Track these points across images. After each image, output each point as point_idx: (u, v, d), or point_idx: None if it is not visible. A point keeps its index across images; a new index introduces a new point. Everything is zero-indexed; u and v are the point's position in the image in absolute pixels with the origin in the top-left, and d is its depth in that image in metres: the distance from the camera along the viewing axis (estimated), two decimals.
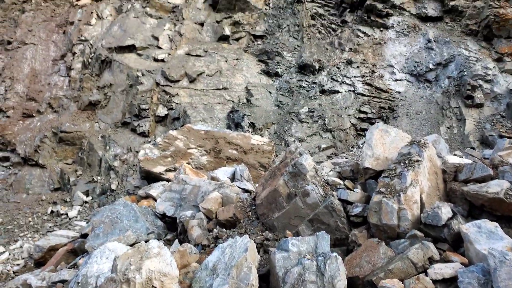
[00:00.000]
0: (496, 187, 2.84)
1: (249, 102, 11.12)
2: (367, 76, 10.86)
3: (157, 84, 10.84)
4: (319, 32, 12.47)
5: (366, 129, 9.98)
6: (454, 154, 3.82)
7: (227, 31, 12.52)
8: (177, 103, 10.55)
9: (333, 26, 12.40)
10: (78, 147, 10.61)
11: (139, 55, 11.63)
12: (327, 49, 12.07)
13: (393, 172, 3.22)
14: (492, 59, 9.39)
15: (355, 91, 10.77)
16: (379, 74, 10.79)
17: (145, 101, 10.50)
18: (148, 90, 10.63)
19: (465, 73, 9.37)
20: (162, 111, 10.52)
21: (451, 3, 10.61)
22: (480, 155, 3.81)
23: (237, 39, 12.65)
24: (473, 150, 4.15)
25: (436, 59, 10.18)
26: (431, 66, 10.18)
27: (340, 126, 10.17)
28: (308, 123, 10.51)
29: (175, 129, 8.81)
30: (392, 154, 3.64)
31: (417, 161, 3.21)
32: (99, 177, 9.77)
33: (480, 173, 3.13)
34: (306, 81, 11.55)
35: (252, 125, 10.51)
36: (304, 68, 11.72)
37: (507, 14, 9.37)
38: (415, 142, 3.44)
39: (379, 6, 11.35)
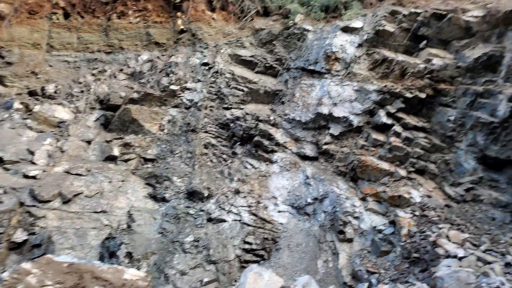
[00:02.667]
0: None
1: (130, 228, 10.51)
2: (253, 206, 11.40)
3: (21, 204, 9.72)
4: (211, 161, 13.16)
5: (249, 261, 10.01)
6: None
7: (116, 152, 12.42)
8: (42, 227, 9.43)
9: (224, 156, 13.26)
10: None
11: (6, 169, 10.59)
12: (217, 177, 12.62)
13: None
14: (358, 198, 10.83)
15: (241, 221, 11.07)
16: (264, 205, 11.43)
17: (1, 223, 9.18)
18: (8, 211, 9.40)
19: (337, 209, 10.52)
20: (20, 236, 9.21)
21: (324, 147, 12.42)
22: None
23: (126, 160, 12.55)
24: None
25: (313, 194, 11.32)
26: (309, 200, 11.23)
27: (224, 258, 10.04)
28: (192, 253, 10.18)
29: (32, 259, 7.67)
30: None
31: None
32: None
33: None
34: (194, 208, 11.60)
35: (129, 255, 9.75)
36: (193, 195, 11.88)
37: (366, 161, 11.26)
38: None
39: (266, 142, 12.70)
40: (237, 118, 13.52)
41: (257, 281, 3.96)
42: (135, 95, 13.73)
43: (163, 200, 11.60)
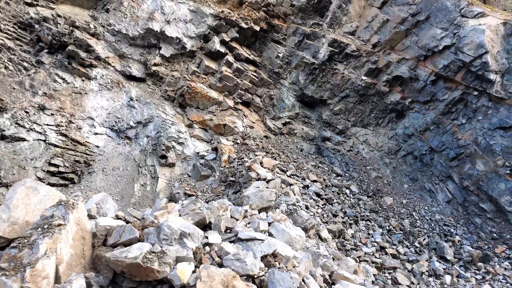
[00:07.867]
0: (136, 251, 2.90)
1: None
2: (62, 126, 10.19)
3: None
4: (6, 67, 10.95)
5: (56, 185, 9.11)
6: (116, 215, 3.80)
7: None
8: None
9: (25, 64, 11.20)
10: None
11: None
12: (14, 88, 10.66)
13: (26, 240, 2.77)
14: (185, 124, 10.94)
15: (47, 141, 9.82)
16: (77, 126, 10.36)
17: None
18: None
19: (162, 134, 10.42)
20: None
21: (154, 68, 11.84)
22: (140, 215, 3.99)
23: None
24: (135, 210, 4.36)
25: (137, 118, 10.85)
26: (132, 123, 10.73)
27: (20, 179, 8.81)
28: None
29: None
30: (36, 217, 3.21)
31: (59, 225, 2.91)
32: None
33: (128, 236, 3.17)
34: None
35: None
36: None
37: (196, 88, 11.32)
38: (62, 203, 3.16)
39: (83, 55, 11.23)
40: (45, 19, 11.37)
41: (29, 196, 3.38)
42: None
43: None
